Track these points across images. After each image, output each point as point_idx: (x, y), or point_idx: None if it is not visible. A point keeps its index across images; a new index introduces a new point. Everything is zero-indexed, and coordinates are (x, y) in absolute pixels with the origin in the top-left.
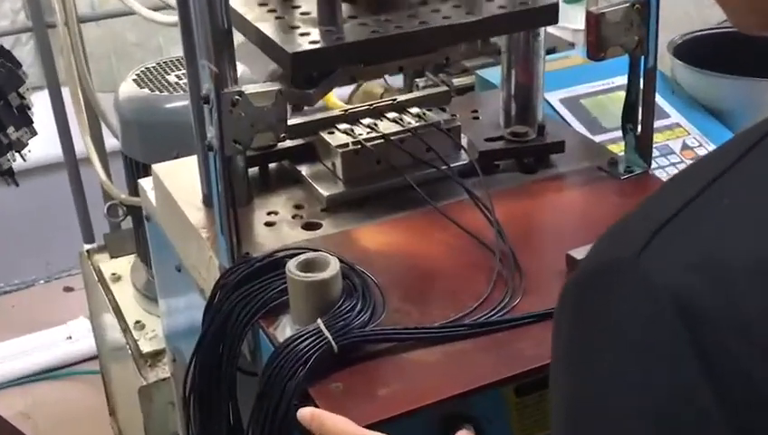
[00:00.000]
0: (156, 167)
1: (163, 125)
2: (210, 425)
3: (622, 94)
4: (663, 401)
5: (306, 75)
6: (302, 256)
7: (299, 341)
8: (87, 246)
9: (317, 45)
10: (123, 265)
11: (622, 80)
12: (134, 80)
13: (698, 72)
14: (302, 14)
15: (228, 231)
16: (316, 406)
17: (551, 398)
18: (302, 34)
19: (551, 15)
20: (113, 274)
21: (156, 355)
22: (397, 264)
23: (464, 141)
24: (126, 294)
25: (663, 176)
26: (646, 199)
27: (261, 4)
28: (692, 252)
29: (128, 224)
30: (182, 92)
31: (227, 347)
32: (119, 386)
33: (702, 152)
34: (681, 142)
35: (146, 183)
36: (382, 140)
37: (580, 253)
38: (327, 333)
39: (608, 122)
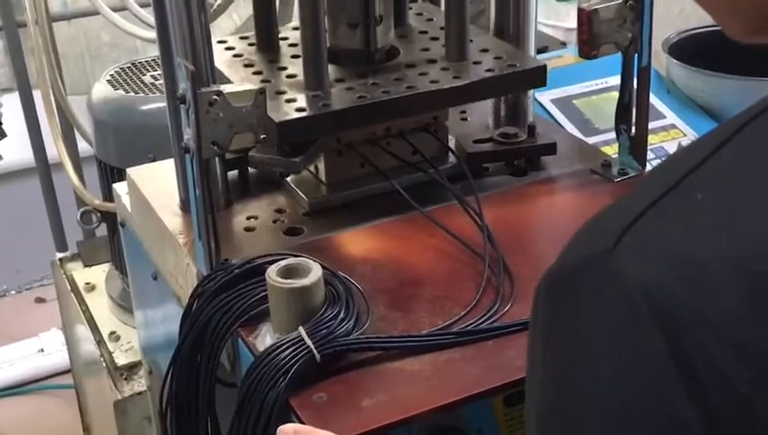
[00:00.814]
0: (131, 171)
1: (138, 128)
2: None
3: (616, 95)
4: (638, 406)
5: (293, 142)
6: (283, 263)
7: (280, 350)
8: (60, 255)
9: (303, 114)
10: (97, 274)
11: (616, 80)
12: (108, 81)
13: (694, 72)
14: (288, 76)
15: (206, 237)
16: (298, 418)
17: (526, 405)
18: (288, 101)
19: (539, 78)
20: (87, 283)
21: (131, 368)
22: (382, 270)
23: (451, 143)
24: (100, 305)
25: None
26: (622, 195)
27: (246, 66)
28: (664, 249)
29: (102, 231)
30: (158, 94)
31: (205, 357)
32: (93, 401)
33: None
34: (677, 144)
35: (120, 188)
36: (367, 143)
37: None
38: (309, 342)
39: (601, 123)
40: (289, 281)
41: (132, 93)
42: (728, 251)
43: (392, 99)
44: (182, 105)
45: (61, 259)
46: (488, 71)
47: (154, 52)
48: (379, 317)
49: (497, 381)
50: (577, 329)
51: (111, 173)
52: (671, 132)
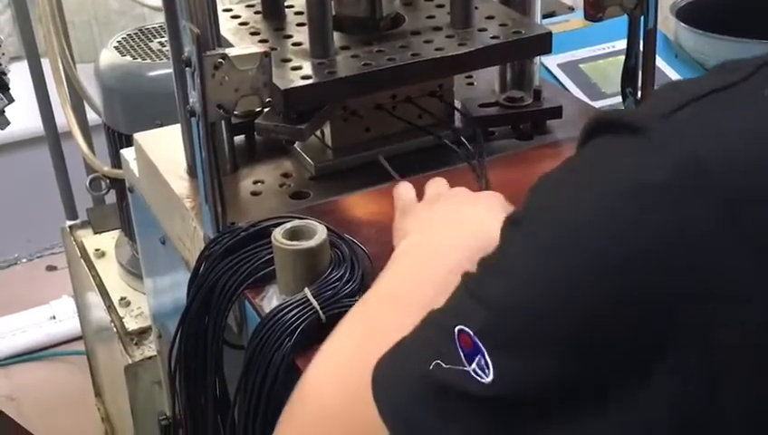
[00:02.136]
0: (138, 136)
1: (146, 94)
2: (196, 399)
3: (623, 59)
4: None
5: (298, 109)
6: (289, 225)
7: (285, 311)
8: (69, 222)
9: (309, 81)
10: (107, 240)
11: (623, 44)
12: (115, 47)
13: (702, 36)
14: (294, 44)
15: (213, 200)
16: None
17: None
18: (294, 68)
19: (544, 45)
20: (97, 250)
21: (142, 333)
22: (387, 232)
23: (457, 107)
24: (110, 271)
25: None
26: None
27: (252, 33)
28: (725, 126)
29: (111, 198)
30: (166, 60)
31: (213, 319)
32: (104, 366)
33: None
34: None
35: (128, 153)
36: (373, 107)
37: None
38: (315, 303)
39: (608, 88)
40: (294, 243)
41: (140, 60)
42: None
43: (397, 66)
44: (187, 68)
45: (71, 226)
46: (493, 38)
47: (161, 19)
48: None
49: None
50: (614, 172)
51: (120, 140)
52: None
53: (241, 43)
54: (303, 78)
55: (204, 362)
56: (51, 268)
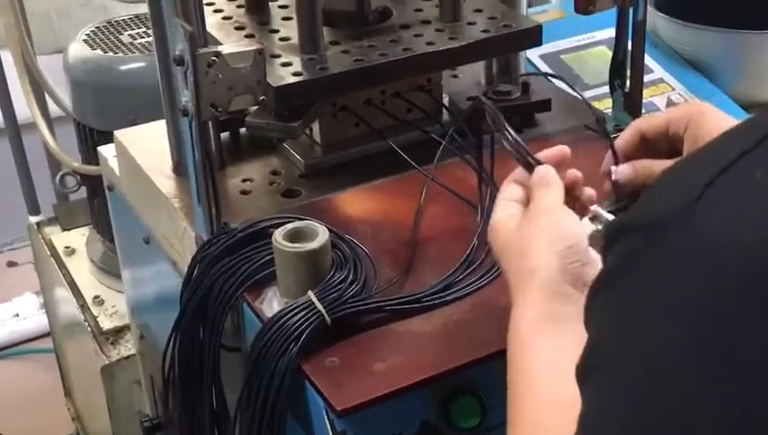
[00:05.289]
0: (119, 133)
1: (118, 88)
2: (193, 405)
3: (604, 49)
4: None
5: (290, 107)
6: (289, 226)
7: (290, 315)
8: (35, 219)
9: (301, 78)
10: (77, 237)
11: (604, 34)
12: (84, 40)
13: (680, 25)
14: (282, 39)
15: (206, 200)
16: (311, 383)
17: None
18: (284, 64)
19: (534, 38)
20: (66, 247)
21: (118, 332)
22: (383, 231)
23: (445, 101)
24: (81, 269)
25: None
26: (698, 150)
27: (237, 28)
28: (754, 204)
29: (77, 194)
30: (138, 53)
31: (209, 323)
32: (75, 365)
33: None
34: (666, 98)
35: (107, 151)
36: (361, 102)
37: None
38: (320, 306)
39: (590, 79)
40: (297, 245)
41: (111, 53)
42: None
43: (390, 61)
44: (179, 67)
45: (38, 223)
46: (484, 31)
47: (123, 11)
48: (384, 279)
49: None
50: (650, 288)
51: (91, 135)
52: (660, 86)
53: (227, 39)
54: (295, 74)
55: (200, 368)
56: (11, 264)
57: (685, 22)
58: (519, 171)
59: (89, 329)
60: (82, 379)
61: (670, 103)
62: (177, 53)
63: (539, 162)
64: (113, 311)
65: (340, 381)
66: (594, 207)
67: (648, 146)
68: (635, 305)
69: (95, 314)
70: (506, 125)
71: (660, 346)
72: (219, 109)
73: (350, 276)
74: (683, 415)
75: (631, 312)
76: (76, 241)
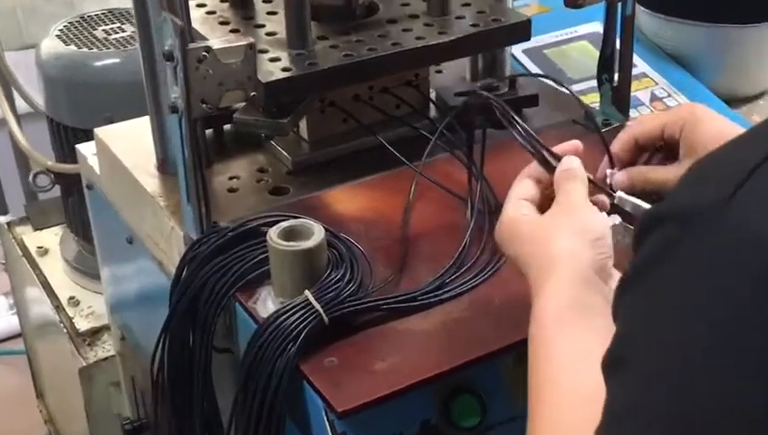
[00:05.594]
0: (99, 131)
1: (93, 85)
2: (183, 408)
3: (586, 44)
4: None
5: (279, 103)
6: (284, 224)
7: (287, 314)
8: (2, 218)
9: (290, 73)
10: (49, 237)
11: (586, 29)
12: (57, 36)
13: (663, 20)
14: (268, 34)
15: (196, 199)
16: (311, 384)
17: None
18: (272, 60)
19: (523, 32)
20: (39, 247)
21: (94, 333)
22: (376, 228)
23: (432, 97)
24: (55, 269)
25: None
26: (727, 144)
27: (222, 23)
28: None
29: (49, 193)
30: (113, 49)
31: (200, 325)
32: (49, 367)
33: (672, 103)
34: (650, 93)
35: (86, 149)
36: (349, 98)
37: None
38: (317, 305)
39: (574, 73)
40: (293, 244)
41: (85, 49)
42: None
43: (381, 56)
44: (168, 63)
45: (8, 223)
46: (473, 26)
47: (89, 7)
48: (380, 277)
49: (510, 340)
50: (684, 287)
51: (65, 132)
52: (643, 81)
53: (211, 34)
54: (284, 70)
55: (191, 369)
56: None
57: (667, 16)
58: (534, 167)
59: (64, 330)
60: (57, 381)
61: (654, 98)
62: (166, 48)
63: (555, 156)
64: (89, 311)
65: (340, 381)
66: (619, 193)
67: (643, 150)
68: (670, 295)
69: (71, 315)
70: (517, 119)
71: (692, 338)
72: (209, 105)
73: (347, 275)
74: (712, 409)
75: (667, 301)
76: (49, 241)
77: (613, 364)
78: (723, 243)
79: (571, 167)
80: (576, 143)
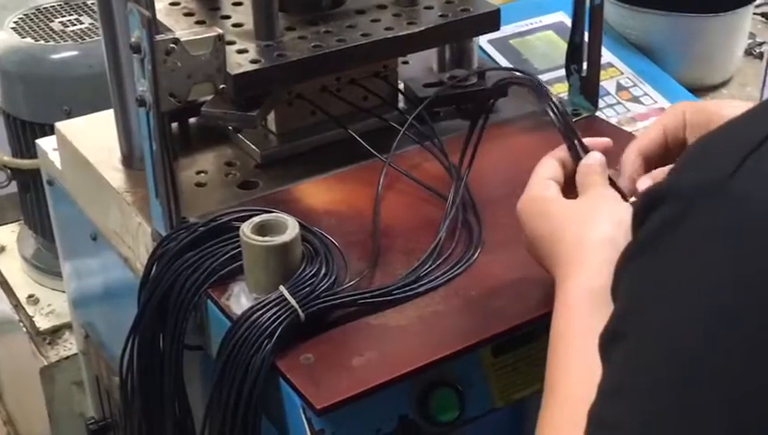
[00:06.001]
0: (60, 125)
1: (50, 79)
2: (154, 408)
3: (551, 34)
4: None
5: (247, 95)
6: (257, 219)
7: (262, 311)
8: None
9: (259, 65)
10: (6, 234)
11: (550, 19)
12: (13, 28)
13: (627, 9)
14: (235, 25)
15: (165, 195)
16: (287, 381)
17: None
18: (240, 51)
19: (493, 22)
20: None
21: (55, 332)
22: (348, 222)
23: (401, 88)
24: (13, 267)
25: (605, 119)
26: (727, 124)
27: (187, 15)
28: None
29: (4, 189)
30: (71, 42)
31: (172, 322)
32: (6, 366)
33: (637, 92)
34: (615, 83)
35: (46, 144)
36: (317, 90)
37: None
38: (292, 301)
39: (539, 63)
40: (267, 238)
41: (42, 42)
42: None
43: (351, 47)
44: (136, 55)
45: None
46: (442, 16)
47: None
48: (354, 271)
49: (487, 332)
50: (689, 258)
51: (22, 127)
52: (609, 71)
53: (176, 26)
54: (253, 62)
55: (161, 368)
56: None
57: (632, 6)
58: (562, 149)
59: (24, 329)
60: (16, 381)
61: (620, 88)
62: (132, 40)
63: (584, 147)
64: (49, 310)
65: (317, 378)
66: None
67: (652, 162)
68: (672, 270)
69: (30, 313)
70: (555, 102)
71: (693, 312)
72: (178, 98)
73: (322, 270)
74: (713, 383)
75: (668, 276)
76: (5, 238)
77: (611, 340)
78: (725, 219)
79: (602, 162)
80: (607, 141)
